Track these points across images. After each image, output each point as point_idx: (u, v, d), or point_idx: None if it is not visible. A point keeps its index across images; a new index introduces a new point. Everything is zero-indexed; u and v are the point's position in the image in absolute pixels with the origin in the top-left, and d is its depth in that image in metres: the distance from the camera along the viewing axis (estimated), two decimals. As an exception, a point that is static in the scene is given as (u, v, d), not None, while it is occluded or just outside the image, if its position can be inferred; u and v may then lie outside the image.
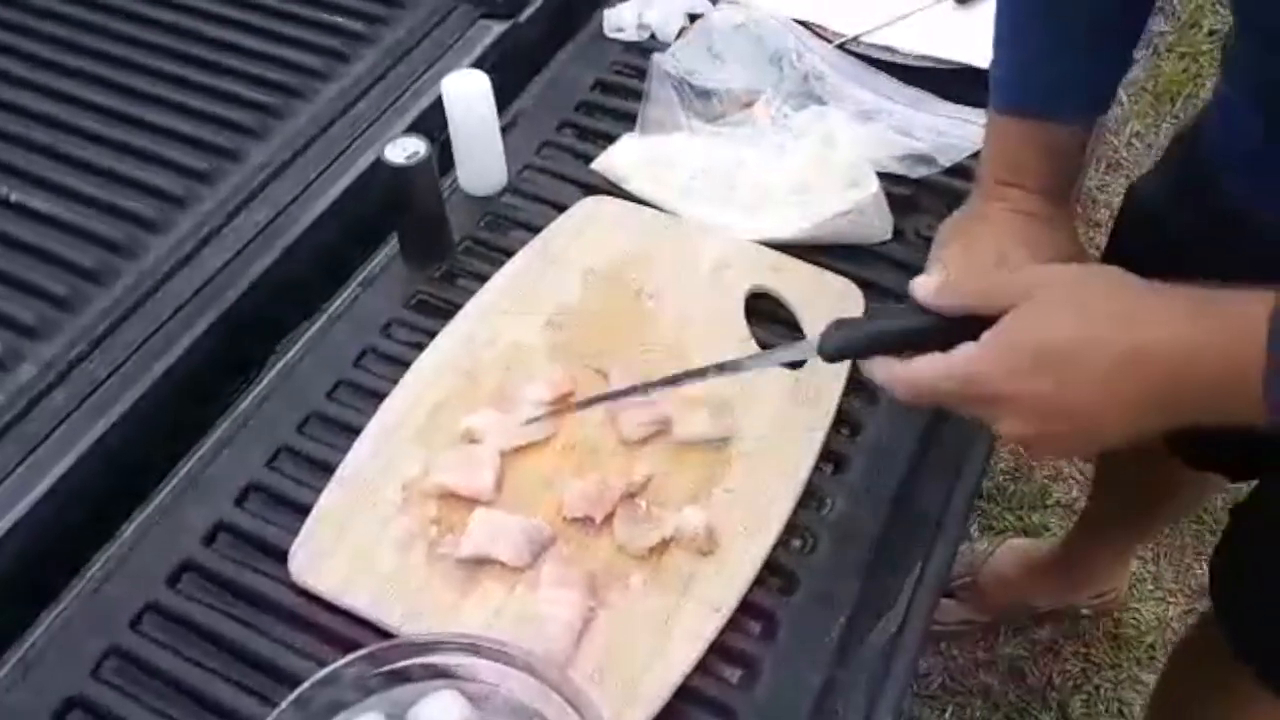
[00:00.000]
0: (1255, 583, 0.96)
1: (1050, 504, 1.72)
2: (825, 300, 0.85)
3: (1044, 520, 1.70)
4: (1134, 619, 1.59)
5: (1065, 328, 0.59)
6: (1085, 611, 1.58)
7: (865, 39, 1.05)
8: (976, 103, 0.96)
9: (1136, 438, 0.60)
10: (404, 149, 0.85)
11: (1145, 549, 1.64)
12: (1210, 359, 0.56)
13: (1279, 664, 0.95)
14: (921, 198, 0.95)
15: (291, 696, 0.60)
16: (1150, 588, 1.63)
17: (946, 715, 1.52)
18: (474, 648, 0.61)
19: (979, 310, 0.62)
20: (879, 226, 0.91)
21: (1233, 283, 0.57)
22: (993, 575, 1.54)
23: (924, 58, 1.04)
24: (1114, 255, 1.00)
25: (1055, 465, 1.77)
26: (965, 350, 0.61)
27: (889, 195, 0.92)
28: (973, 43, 1.02)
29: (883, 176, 0.92)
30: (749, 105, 1.00)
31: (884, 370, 0.66)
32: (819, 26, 1.06)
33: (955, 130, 0.97)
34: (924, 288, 0.65)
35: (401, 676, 0.62)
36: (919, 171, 0.95)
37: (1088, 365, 0.58)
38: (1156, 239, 0.90)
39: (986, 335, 0.61)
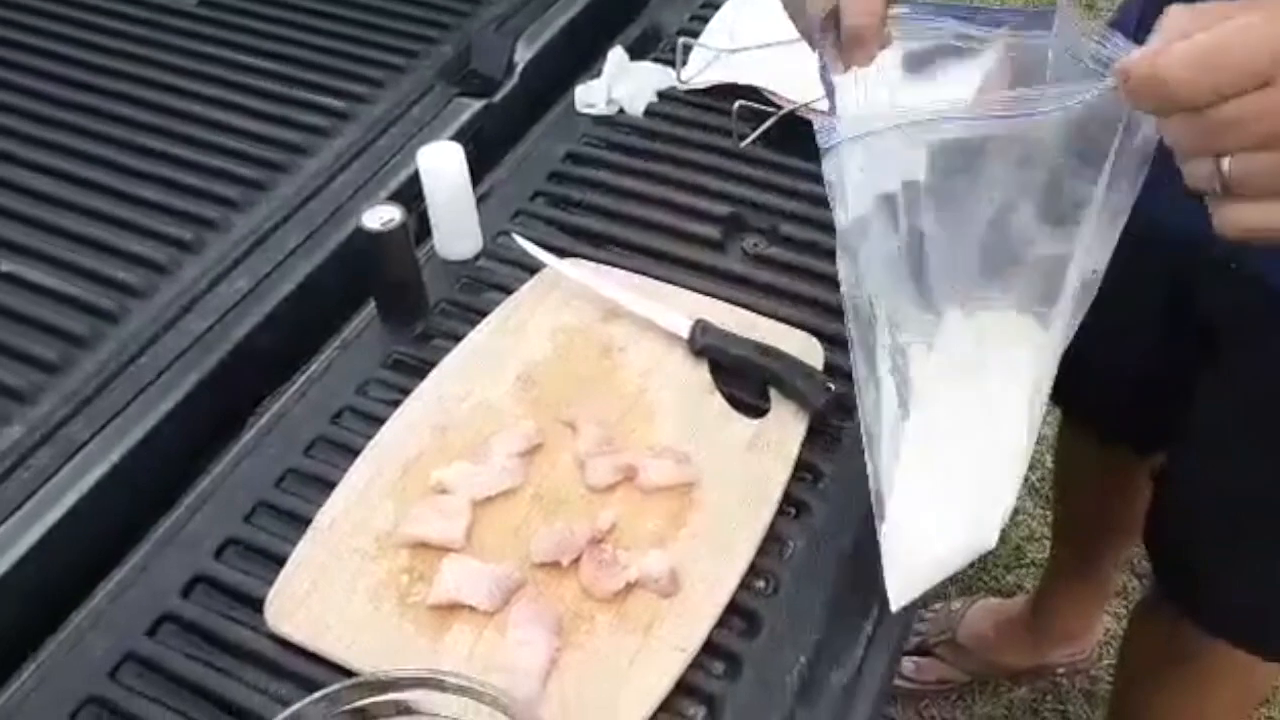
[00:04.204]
0: (1185, 540, 1.07)
1: (1025, 564, 1.75)
2: (788, 353, 0.88)
3: (1019, 580, 1.72)
4: (1109, 677, 1.61)
5: None
6: (1060, 669, 1.60)
7: (814, 106, 1.10)
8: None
9: None
10: (380, 216, 0.89)
11: (1115, 606, 1.66)
12: None
13: (1222, 616, 1.05)
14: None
15: (257, 736, 0.62)
16: (1125, 645, 1.64)
17: (927, 776, 1.52)
18: (434, 682, 0.63)
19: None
20: None
21: None
22: (968, 634, 1.56)
23: None
24: None
25: (1029, 526, 1.79)
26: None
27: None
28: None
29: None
30: None
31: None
32: (770, 93, 1.11)
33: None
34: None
35: (364, 715, 0.64)
36: None
37: None
38: None
39: None
